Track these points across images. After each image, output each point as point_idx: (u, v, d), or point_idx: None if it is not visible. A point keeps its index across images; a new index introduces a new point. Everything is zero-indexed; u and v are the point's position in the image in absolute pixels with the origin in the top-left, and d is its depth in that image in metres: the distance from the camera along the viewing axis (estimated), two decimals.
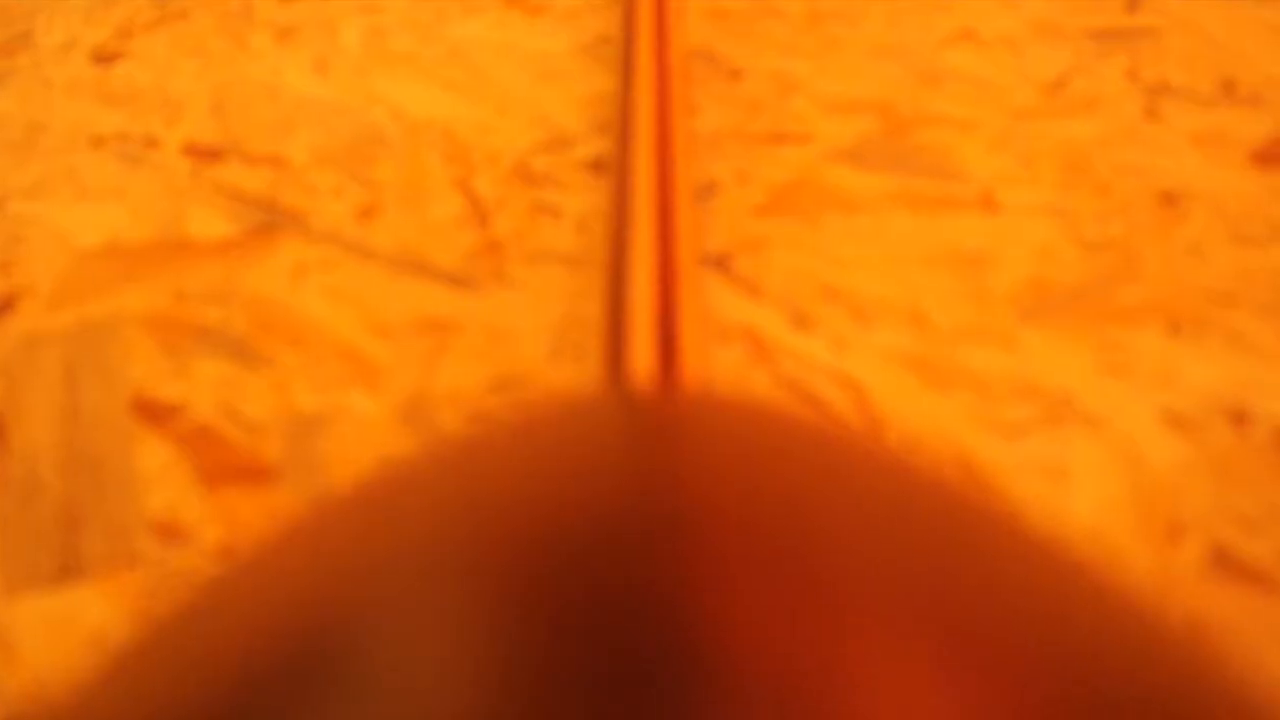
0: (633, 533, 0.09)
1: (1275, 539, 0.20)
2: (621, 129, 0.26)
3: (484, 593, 0.08)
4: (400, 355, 0.24)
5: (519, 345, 0.24)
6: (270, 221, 0.28)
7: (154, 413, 0.23)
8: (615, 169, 0.25)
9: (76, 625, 0.19)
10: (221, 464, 0.22)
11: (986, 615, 0.08)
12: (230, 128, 0.32)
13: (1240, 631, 0.19)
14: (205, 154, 0.31)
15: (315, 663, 0.08)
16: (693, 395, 0.13)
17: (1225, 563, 0.20)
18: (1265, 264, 0.26)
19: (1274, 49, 0.35)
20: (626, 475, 0.10)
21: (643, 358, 0.18)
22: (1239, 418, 0.22)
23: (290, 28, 0.38)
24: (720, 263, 0.26)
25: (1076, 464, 0.21)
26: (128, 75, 0.36)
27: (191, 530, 0.20)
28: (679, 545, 0.08)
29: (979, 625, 0.08)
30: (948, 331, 0.24)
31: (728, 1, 0.39)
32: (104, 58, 0.37)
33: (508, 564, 0.08)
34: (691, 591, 0.08)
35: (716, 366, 0.24)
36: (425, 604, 0.08)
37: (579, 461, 0.10)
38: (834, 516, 0.09)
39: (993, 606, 0.08)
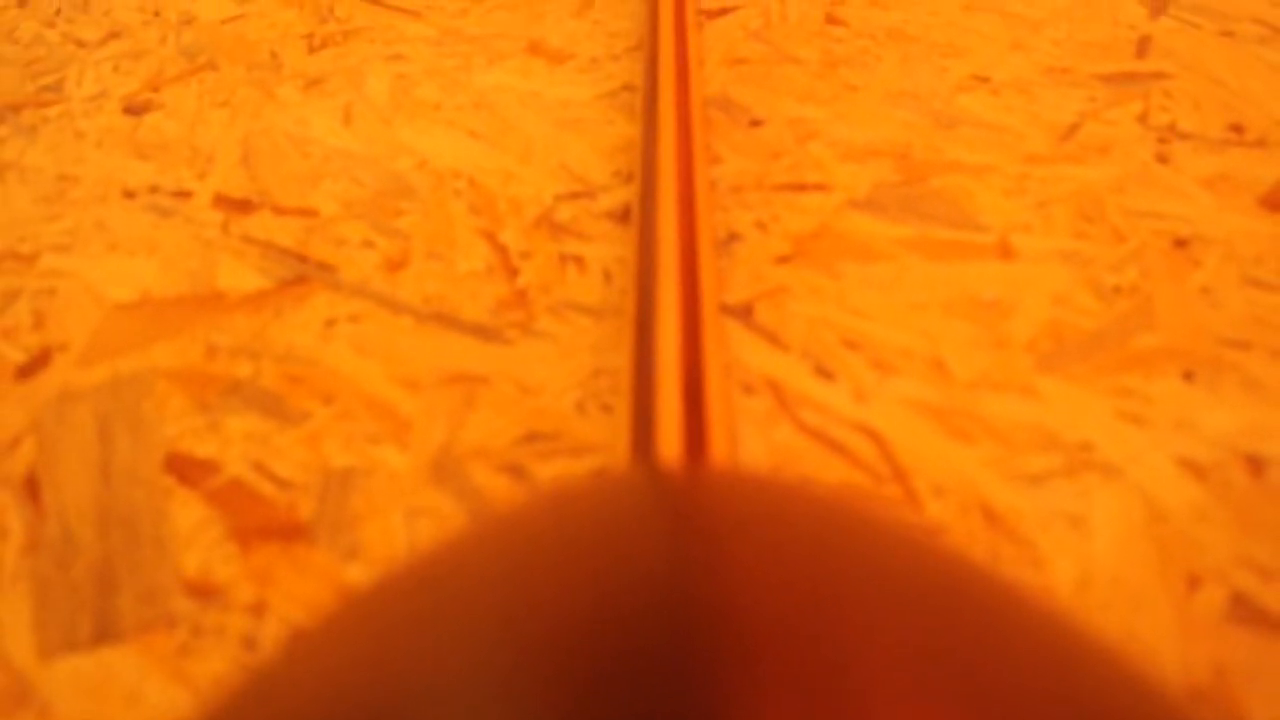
0: (665, 618, 0.09)
1: None
2: (645, 179, 0.27)
3: (530, 679, 0.09)
4: (429, 409, 0.25)
5: (546, 398, 0.25)
6: (300, 274, 0.29)
7: (187, 470, 0.23)
8: (639, 219, 0.25)
9: (113, 687, 0.19)
10: (255, 521, 0.22)
11: (1004, 693, 0.09)
12: (259, 179, 0.33)
13: (1258, 677, 0.19)
14: (236, 206, 0.32)
15: None
16: (720, 473, 0.13)
17: (1243, 609, 0.20)
18: (1278, 306, 0.26)
19: (1279, 92, 0.36)
20: (658, 560, 0.10)
21: (670, 421, 0.18)
22: (1255, 463, 0.23)
23: (317, 78, 0.39)
24: (742, 313, 0.27)
25: (1096, 512, 0.22)
26: (158, 126, 0.36)
27: (226, 589, 0.21)
28: (709, 632, 0.09)
29: (997, 704, 0.08)
30: (967, 381, 0.25)
31: (745, 48, 0.40)
32: (134, 109, 0.38)
33: (551, 655, 0.09)
34: (720, 682, 0.08)
35: (741, 417, 0.24)
36: (478, 684, 0.09)
37: (613, 545, 0.11)
38: (857, 599, 0.10)
39: (1010, 684, 0.09)
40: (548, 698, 0.08)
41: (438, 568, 0.11)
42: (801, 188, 0.32)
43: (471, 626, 0.10)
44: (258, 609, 0.21)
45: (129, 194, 0.33)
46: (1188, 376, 0.25)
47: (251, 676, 0.11)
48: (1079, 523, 0.22)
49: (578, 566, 0.10)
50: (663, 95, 0.31)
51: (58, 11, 0.46)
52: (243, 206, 0.32)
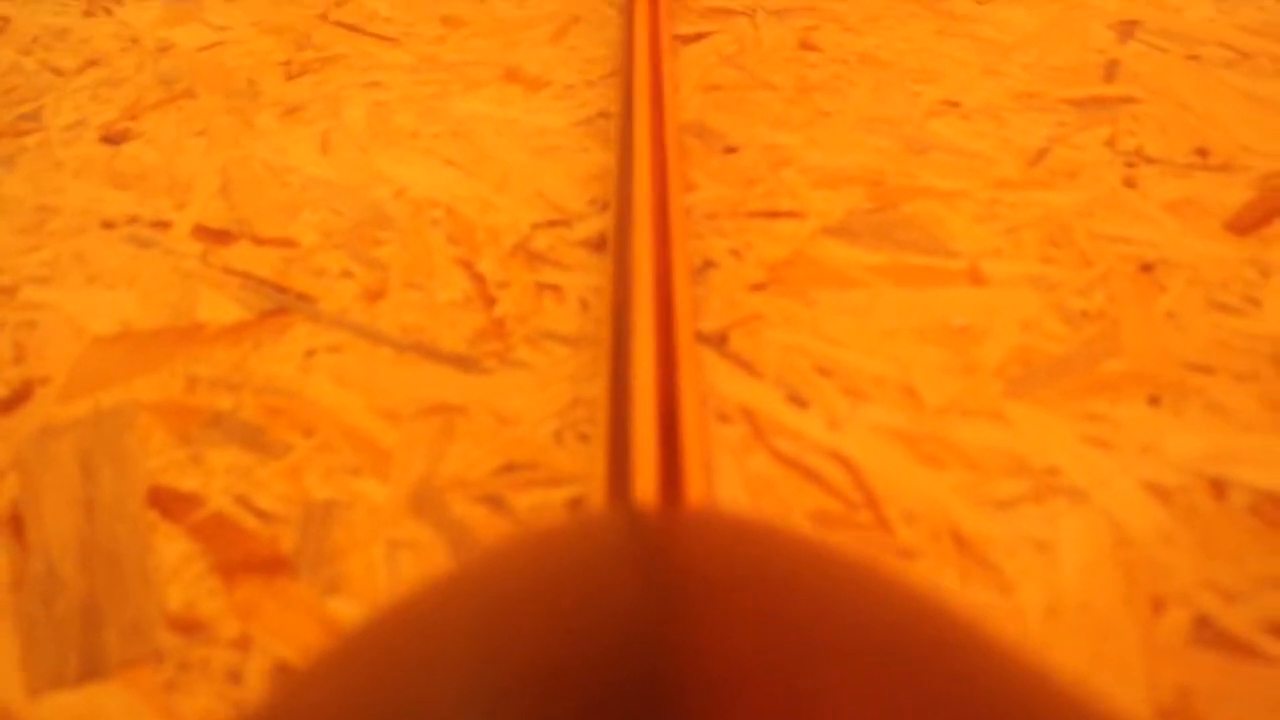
0: (638, 660, 0.10)
1: (1256, 608, 0.21)
2: (620, 208, 0.27)
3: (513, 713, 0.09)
4: (408, 440, 0.25)
5: (524, 428, 0.25)
6: (280, 304, 0.29)
7: (170, 503, 0.24)
8: (615, 248, 0.26)
9: None
10: (238, 555, 0.22)
11: None
12: (238, 208, 0.33)
13: (1222, 700, 0.19)
14: (215, 236, 0.32)
15: None
16: (695, 514, 0.14)
17: (1208, 631, 0.20)
18: (1241, 331, 0.27)
19: (1244, 115, 0.36)
20: (633, 603, 0.11)
21: (646, 456, 0.19)
22: (1218, 487, 0.23)
23: (295, 105, 0.39)
24: (717, 341, 0.27)
25: (1063, 536, 0.22)
26: (136, 155, 0.37)
27: (210, 624, 0.21)
28: (680, 674, 0.09)
29: None
30: (937, 407, 0.25)
31: (719, 74, 0.41)
32: (112, 138, 0.38)
33: (529, 699, 0.09)
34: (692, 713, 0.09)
35: (717, 445, 0.24)
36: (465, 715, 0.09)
37: (589, 589, 0.11)
38: (827, 643, 0.10)
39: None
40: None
41: (419, 612, 0.12)
42: (775, 215, 0.32)
43: (453, 671, 0.10)
44: (242, 643, 0.21)
45: (108, 224, 0.33)
46: (1153, 401, 0.25)
47: None
48: (1046, 548, 0.22)
49: (555, 611, 0.11)
50: (638, 122, 0.31)
51: (34, 39, 0.46)
52: (222, 237, 0.32)
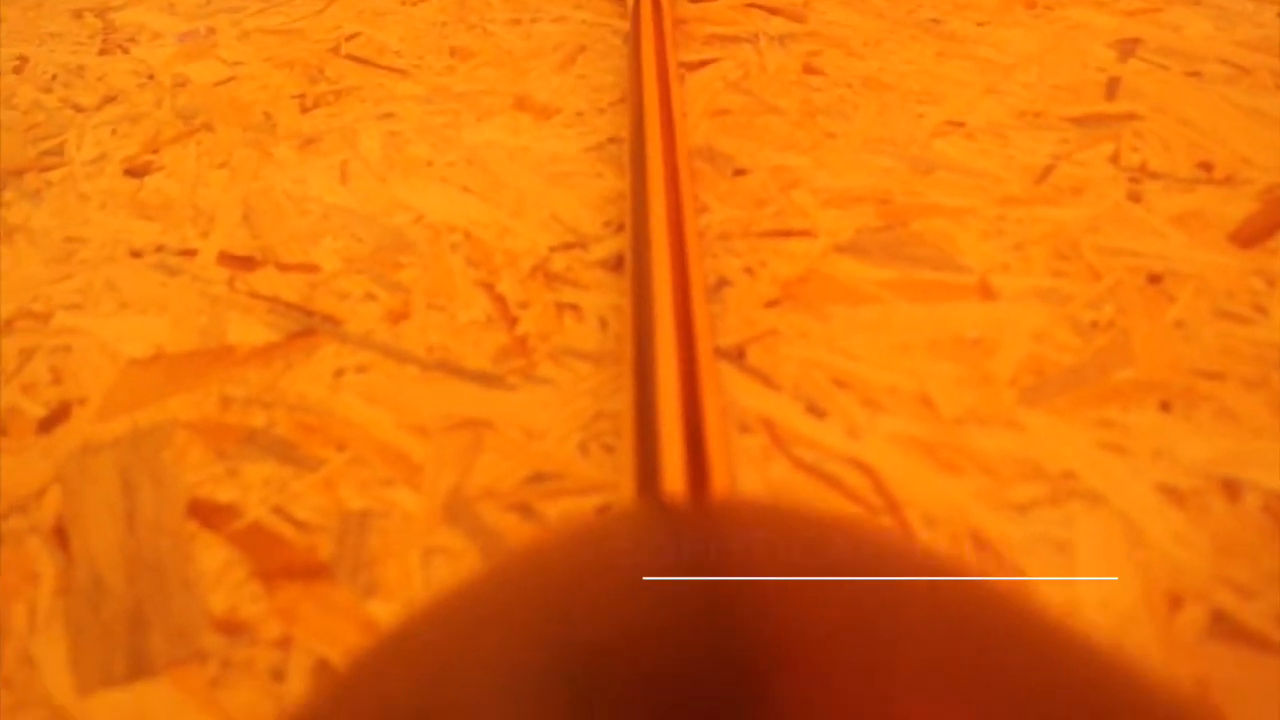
0: (705, 635, 0.10)
1: (1271, 603, 0.21)
2: (637, 229, 0.28)
3: (558, 704, 0.09)
4: (438, 453, 0.25)
5: (550, 441, 0.26)
6: (307, 326, 0.30)
7: (209, 515, 0.24)
8: (633, 268, 0.26)
9: (150, 719, 0.20)
10: (277, 562, 0.23)
11: (1014, 698, 0.09)
12: (261, 236, 0.34)
13: (1240, 691, 0.20)
14: (240, 263, 0.33)
15: None
16: (725, 502, 0.14)
17: (1224, 626, 0.21)
18: (1250, 338, 0.28)
19: (1246, 130, 0.37)
20: (673, 588, 0.11)
21: (673, 458, 0.19)
22: (1232, 489, 0.24)
23: (312, 137, 0.40)
24: (735, 355, 0.28)
25: (1081, 538, 0.23)
26: (159, 187, 0.37)
27: (253, 626, 0.22)
28: (749, 645, 0.10)
29: (1023, 709, 0.09)
30: (953, 416, 0.26)
31: (726, 99, 0.41)
32: (135, 170, 0.39)
33: (600, 680, 0.09)
34: (769, 696, 0.09)
35: (737, 455, 0.25)
36: (509, 710, 0.09)
37: (641, 573, 0.11)
38: (887, 612, 0.10)
39: (1020, 688, 0.09)
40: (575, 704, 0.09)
41: (463, 606, 0.12)
42: (787, 234, 0.33)
43: (504, 661, 0.10)
44: (284, 643, 0.21)
45: (136, 253, 0.34)
46: (1164, 407, 0.26)
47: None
48: (1065, 548, 0.23)
49: (604, 598, 0.11)
50: (650, 147, 0.32)
51: (54, 77, 0.47)
52: (247, 263, 0.33)
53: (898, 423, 0.26)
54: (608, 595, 0.11)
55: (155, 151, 0.40)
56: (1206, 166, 0.35)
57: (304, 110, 0.42)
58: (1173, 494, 0.24)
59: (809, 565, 0.12)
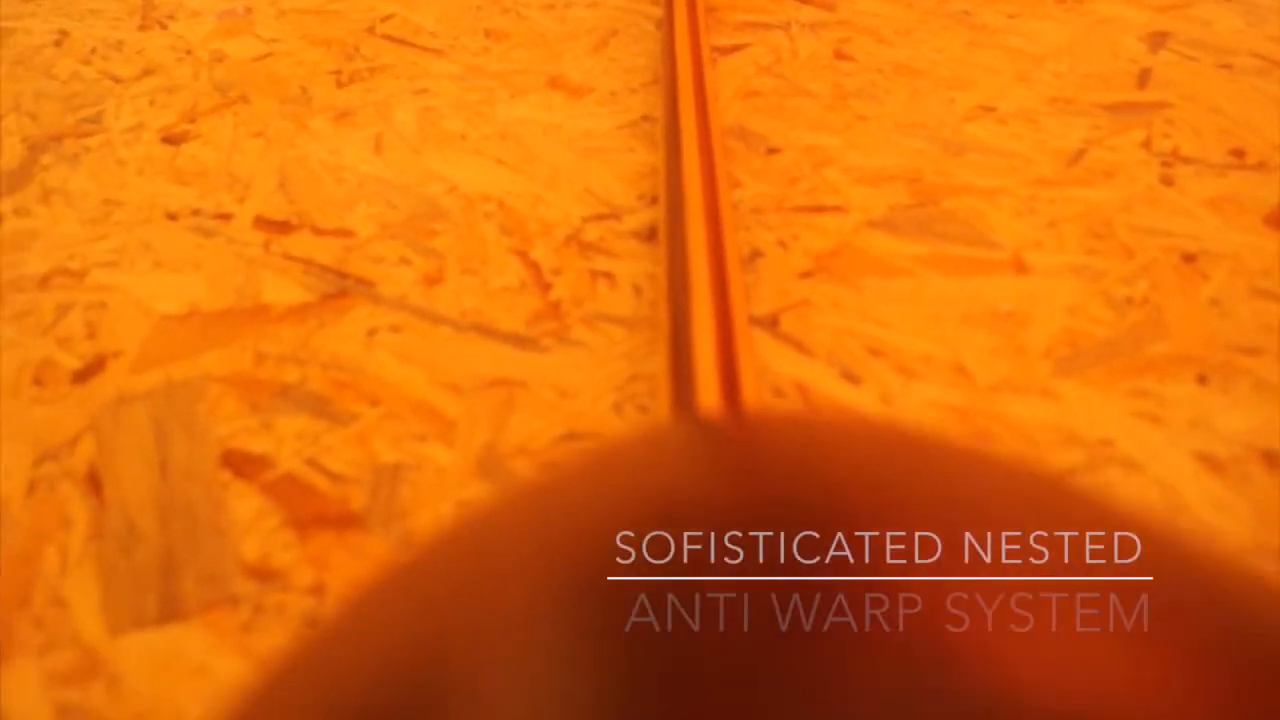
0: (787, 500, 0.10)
1: None
2: (671, 199, 0.28)
3: (575, 626, 0.08)
4: (471, 410, 0.26)
5: (584, 401, 0.26)
6: (341, 288, 0.30)
7: (243, 465, 0.24)
8: (668, 236, 0.27)
9: (181, 660, 0.20)
10: (310, 512, 0.23)
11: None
12: (297, 202, 0.34)
13: None
14: (275, 227, 0.33)
15: (427, 700, 0.08)
16: (764, 415, 0.14)
17: None
18: None
19: (1278, 120, 0.37)
20: (721, 481, 0.11)
21: (708, 394, 0.19)
22: (1271, 459, 0.24)
23: (347, 110, 0.40)
24: (769, 323, 0.28)
25: (1118, 504, 0.23)
26: (195, 155, 0.38)
27: (285, 572, 0.22)
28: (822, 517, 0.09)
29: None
30: (988, 385, 0.26)
31: (757, 82, 0.41)
32: (172, 139, 0.39)
33: (598, 591, 0.09)
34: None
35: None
36: (522, 637, 0.09)
37: (664, 481, 0.11)
38: (948, 474, 0.10)
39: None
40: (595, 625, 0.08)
41: (474, 526, 0.11)
42: (819, 209, 0.33)
43: (514, 568, 0.10)
44: (317, 590, 0.21)
45: (172, 216, 0.34)
46: (1201, 380, 0.26)
47: (303, 644, 0.11)
48: None
49: (647, 504, 0.10)
50: (684, 122, 0.32)
51: (93, 50, 0.47)
52: (282, 228, 0.33)
53: (933, 390, 0.26)
54: (651, 499, 0.10)
55: (192, 121, 0.40)
56: (1239, 153, 0.35)
57: (339, 85, 0.43)
58: (1211, 462, 0.24)
59: (874, 446, 0.11)
